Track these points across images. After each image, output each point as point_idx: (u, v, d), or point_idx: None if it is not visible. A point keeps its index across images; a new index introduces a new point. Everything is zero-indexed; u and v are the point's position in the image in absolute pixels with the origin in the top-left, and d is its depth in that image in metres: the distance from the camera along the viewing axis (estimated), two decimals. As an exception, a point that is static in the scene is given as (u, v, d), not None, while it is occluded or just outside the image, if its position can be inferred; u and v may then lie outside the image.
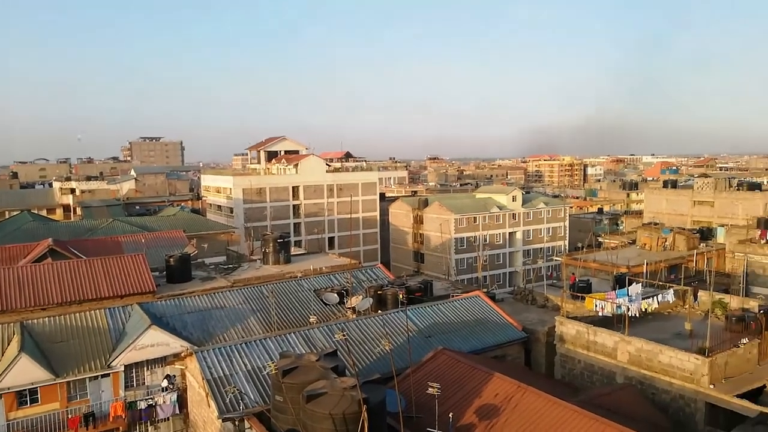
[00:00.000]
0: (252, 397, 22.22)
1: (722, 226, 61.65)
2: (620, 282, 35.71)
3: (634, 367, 25.94)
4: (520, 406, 19.85)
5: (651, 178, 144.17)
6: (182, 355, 26.93)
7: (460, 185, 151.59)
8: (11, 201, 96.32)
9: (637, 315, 28.90)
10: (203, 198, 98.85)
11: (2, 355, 26.22)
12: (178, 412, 27.65)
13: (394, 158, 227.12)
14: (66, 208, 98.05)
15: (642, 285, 31.59)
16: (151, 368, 28.34)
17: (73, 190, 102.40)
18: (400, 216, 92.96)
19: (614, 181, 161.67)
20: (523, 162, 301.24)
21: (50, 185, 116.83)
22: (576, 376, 28.43)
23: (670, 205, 78.72)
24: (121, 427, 26.78)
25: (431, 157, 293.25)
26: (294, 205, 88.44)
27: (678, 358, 24.35)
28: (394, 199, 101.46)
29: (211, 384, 22.68)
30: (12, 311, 31.67)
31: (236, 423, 21.30)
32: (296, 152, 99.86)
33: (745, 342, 25.18)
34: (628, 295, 29.35)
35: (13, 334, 27.20)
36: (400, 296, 31.94)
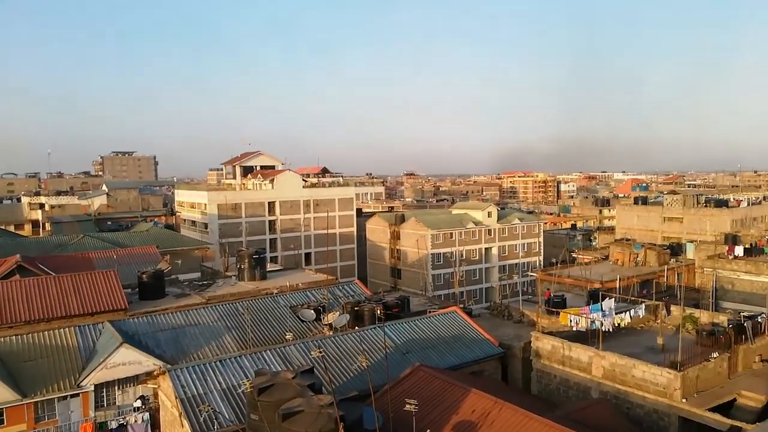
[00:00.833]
0: (227, 416, 21.82)
1: (691, 241, 63.09)
2: (594, 297, 36.21)
3: (608, 381, 26.25)
4: (497, 423, 19.89)
5: (622, 195, 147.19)
6: (155, 373, 26.32)
7: (437, 201, 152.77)
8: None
9: (611, 330, 29.32)
10: (177, 213, 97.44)
11: (-35, 375, 25.31)
12: (149, 432, 26.97)
13: (370, 174, 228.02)
14: (35, 224, 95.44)
15: (615, 300, 32.12)
16: (123, 387, 27.71)
17: (42, 205, 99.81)
18: (377, 232, 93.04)
19: (587, 197, 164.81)
20: (498, 178, 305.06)
21: (18, 200, 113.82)
22: (552, 391, 28.64)
23: (641, 222, 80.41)
24: (90, 449, 26.00)
25: (408, 173, 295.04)
26: (270, 221, 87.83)
27: (651, 373, 24.73)
28: (371, 214, 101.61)
29: (184, 403, 22.22)
30: (-24, 330, 30.65)
31: (210, 443, 20.86)
32: (272, 167, 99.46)
33: (715, 356, 25.71)
34: (601, 310, 29.80)
35: (-22, 353, 26.31)
36: (378, 312, 31.89)
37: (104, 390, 27.30)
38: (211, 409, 20.76)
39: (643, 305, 32.54)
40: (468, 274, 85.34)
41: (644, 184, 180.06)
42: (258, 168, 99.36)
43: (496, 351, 30.93)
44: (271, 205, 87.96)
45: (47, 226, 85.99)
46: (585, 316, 29.79)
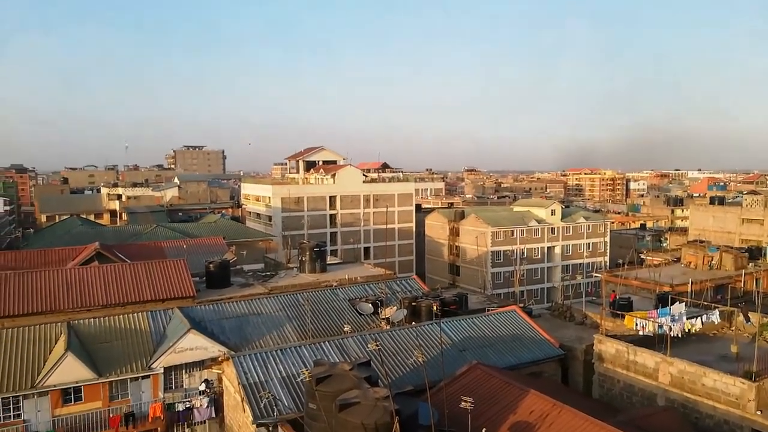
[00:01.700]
0: (286, 404, 22.46)
1: (773, 245, 59.10)
2: (663, 301, 34.63)
3: (676, 389, 25.06)
4: (555, 425, 19.43)
5: (697, 194, 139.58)
6: (219, 359, 27.45)
7: (498, 198, 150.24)
8: (61, 206, 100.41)
9: (680, 335, 27.95)
10: (243, 206, 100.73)
11: (50, 353, 27.28)
12: (214, 415, 28.16)
13: (431, 169, 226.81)
14: (113, 214, 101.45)
15: (686, 305, 30.57)
16: (190, 371, 28.99)
17: (119, 196, 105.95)
18: (436, 228, 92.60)
19: (658, 196, 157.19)
20: (563, 175, 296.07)
21: (98, 191, 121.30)
22: (615, 396, 27.65)
23: (717, 223, 76.03)
24: (159, 428, 27.43)
25: (468, 169, 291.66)
26: (331, 215, 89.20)
27: (723, 382, 23.41)
28: (431, 210, 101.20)
29: (246, 389, 23.04)
30: (59, 311, 32.99)
31: (270, 429, 21.55)
32: (334, 162, 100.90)
33: (796, 367, 24.02)
34: (670, 314, 28.44)
35: (60, 333, 28.29)
36: (435, 308, 31.80)
37: (173, 373, 28.68)
38: (272, 395, 21.44)
39: (717, 311, 30.80)
40: (529, 273, 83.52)
41: (722, 183, 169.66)
42: (320, 163, 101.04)
43: (557, 352, 30.17)
44: (332, 199, 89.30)
45: (124, 215, 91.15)
46: (653, 320, 28.52)
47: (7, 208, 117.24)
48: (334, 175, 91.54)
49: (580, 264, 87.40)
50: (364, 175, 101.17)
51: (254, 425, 21.57)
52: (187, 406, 27.84)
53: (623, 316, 31.23)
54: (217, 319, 32.20)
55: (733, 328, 30.83)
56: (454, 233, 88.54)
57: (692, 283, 46.39)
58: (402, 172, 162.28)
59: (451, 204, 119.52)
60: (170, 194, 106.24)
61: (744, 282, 50.69)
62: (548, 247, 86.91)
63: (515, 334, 30.87)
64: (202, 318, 31.73)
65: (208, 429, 28.63)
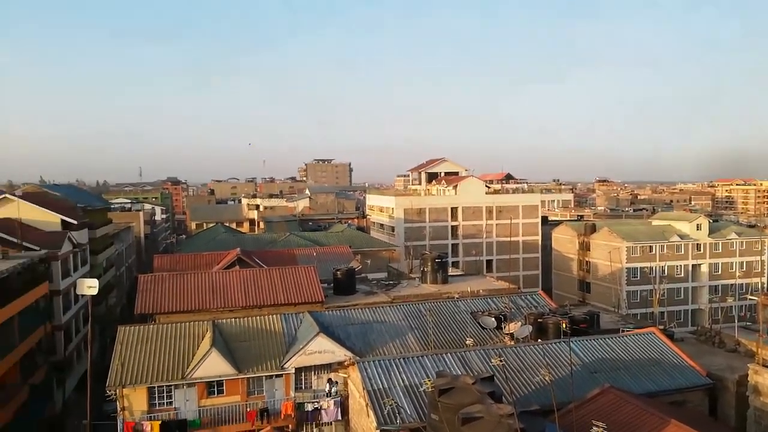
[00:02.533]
0: (408, 412, 22.66)
1: None
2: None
3: None
4: (702, 462, 17.56)
5: None
6: (346, 363, 28.42)
7: (634, 210, 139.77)
8: (208, 214, 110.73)
9: None
10: (367, 216, 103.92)
11: (197, 348, 30.08)
12: (340, 418, 29.19)
13: (558, 180, 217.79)
14: (251, 222, 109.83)
15: None
16: (318, 374, 30.37)
17: (257, 207, 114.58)
18: (564, 241, 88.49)
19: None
20: (711, 186, 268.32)
21: (239, 201, 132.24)
22: (776, 436, 24.36)
23: None
24: (290, 426, 29.00)
25: (600, 180, 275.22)
26: (452, 226, 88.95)
27: None
28: (558, 223, 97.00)
29: (371, 395, 23.61)
30: (205, 311, 36.25)
31: (392, 436, 21.85)
32: (456, 173, 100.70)
33: None
34: None
35: (206, 331, 31.08)
36: (563, 326, 30.32)
37: (302, 374, 30.25)
38: (395, 403, 21.75)
39: None
40: (670, 292, 76.59)
41: None
42: (442, 174, 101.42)
43: (703, 381, 27.27)
44: (454, 210, 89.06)
45: (261, 224, 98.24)
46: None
47: (164, 216, 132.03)
48: (455, 186, 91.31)
49: (732, 285, 78.50)
50: (486, 186, 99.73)
51: (378, 431, 22.01)
52: (316, 406, 29.15)
53: (787, 346, 27.45)
54: (344, 324, 33.40)
55: None
56: (585, 247, 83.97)
57: None
58: (527, 182, 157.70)
59: (581, 216, 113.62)
60: (302, 205, 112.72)
61: None
62: (693, 265, 79.25)
63: (654, 358, 28.42)
64: (329, 323, 33.10)
65: (335, 431, 29.73)
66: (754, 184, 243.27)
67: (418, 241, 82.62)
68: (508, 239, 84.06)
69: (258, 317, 33.32)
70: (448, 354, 27.08)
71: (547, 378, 18.84)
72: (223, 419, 28.74)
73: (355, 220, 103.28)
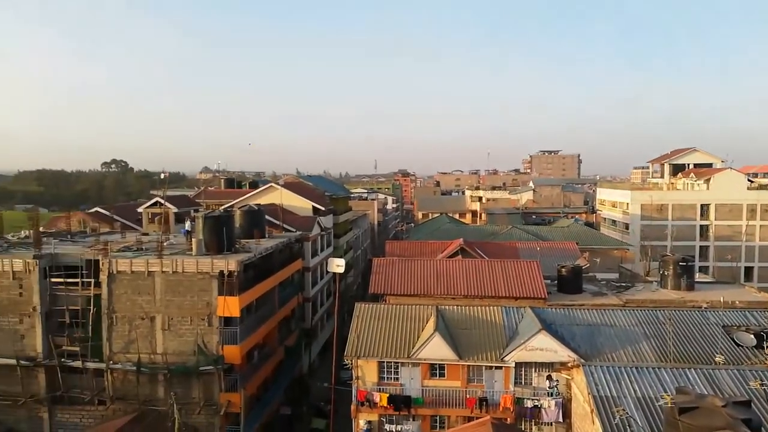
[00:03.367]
0: (640, 425, 20.73)
1: None
2: None
3: None
4: None
5: None
6: (569, 365, 27.24)
7: None
8: (434, 205, 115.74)
9: None
10: (597, 211, 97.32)
11: (422, 331, 31.80)
12: (561, 420, 28.11)
13: None
14: (474, 214, 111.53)
15: None
16: (538, 371, 29.63)
17: (480, 198, 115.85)
18: None
19: None
20: None
21: (463, 193, 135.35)
22: None
23: None
24: (509, 419, 28.89)
25: None
26: (701, 226, 78.11)
27: None
28: None
29: (597, 401, 22.21)
30: (430, 296, 38.06)
31: (621, 449, 20.25)
32: (708, 165, 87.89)
33: None
34: None
35: (430, 315, 32.65)
36: None
37: (522, 369, 29.81)
38: (626, 413, 20.11)
39: None
40: None
41: None
42: (690, 166, 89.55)
43: None
44: (705, 208, 78.05)
45: (483, 216, 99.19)
46: None
47: (395, 205, 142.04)
48: (707, 180, 79.77)
49: None
50: (749, 180, 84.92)
51: (603, 440, 20.62)
52: (536, 404, 28.51)
53: None
54: (568, 324, 31.92)
55: None
56: None
57: None
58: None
59: None
60: (525, 197, 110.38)
61: None
62: None
63: None
64: (552, 321, 31.96)
65: (555, 432, 28.73)
66: None
67: (656, 240, 74.26)
68: (776, 244, 70.39)
69: (479, 307, 33.81)
70: (692, 370, 24.03)
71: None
72: (444, 402, 29.97)
73: (583, 214, 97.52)
